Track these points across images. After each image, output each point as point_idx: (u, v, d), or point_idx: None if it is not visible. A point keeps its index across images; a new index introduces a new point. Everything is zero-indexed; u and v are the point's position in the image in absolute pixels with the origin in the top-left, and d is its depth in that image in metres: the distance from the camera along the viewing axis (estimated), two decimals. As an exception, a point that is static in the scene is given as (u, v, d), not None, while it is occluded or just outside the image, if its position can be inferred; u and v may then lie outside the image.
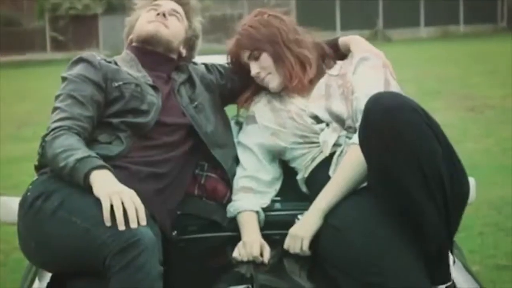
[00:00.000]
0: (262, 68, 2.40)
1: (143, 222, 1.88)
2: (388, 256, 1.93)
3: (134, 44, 2.44)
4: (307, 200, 2.26)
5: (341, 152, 2.24)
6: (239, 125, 2.53)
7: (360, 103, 2.17)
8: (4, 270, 4.33)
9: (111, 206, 1.86)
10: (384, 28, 24.79)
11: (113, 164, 2.05)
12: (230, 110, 2.57)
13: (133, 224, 1.86)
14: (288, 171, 2.42)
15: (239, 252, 2.17)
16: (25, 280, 2.32)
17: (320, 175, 2.25)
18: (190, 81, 2.45)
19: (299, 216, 2.20)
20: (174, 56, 2.45)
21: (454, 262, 2.07)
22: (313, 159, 2.30)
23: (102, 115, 2.21)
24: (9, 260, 4.47)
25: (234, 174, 2.39)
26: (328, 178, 2.20)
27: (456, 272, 2.06)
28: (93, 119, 2.17)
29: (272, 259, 2.16)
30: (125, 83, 2.26)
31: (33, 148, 2.39)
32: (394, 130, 1.88)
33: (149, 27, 2.39)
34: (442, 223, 1.94)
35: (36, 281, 2.19)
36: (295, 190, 2.38)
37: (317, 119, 2.33)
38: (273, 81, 2.41)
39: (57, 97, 2.20)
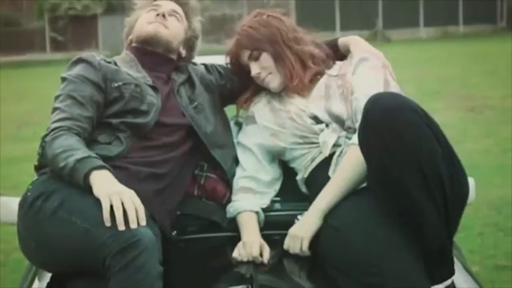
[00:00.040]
0: (262, 68, 2.40)
1: (143, 222, 1.88)
2: (387, 256, 1.93)
3: (133, 44, 2.45)
4: (306, 200, 2.26)
5: (341, 152, 2.24)
6: (239, 125, 2.53)
7: (360, 104, 2.17)
8: (4, 270, 4.34)
9: (111, 207, 1.87)
10: (383, 29, 24.79)
11: (113, 164, 2.05)
12: (230, 110, 2.58)
13: (133, 225, 1.86)
14: (288, 172, 2.42)
15: (239, 252, 2.17)
16: (25, 280, 2.32)
17: (319, 175, 2.25)
18: (189, 81, 2.45)
19: (298, 217, 2.20)
20: (174, 57, 2.45)
21: (453, 271, 2.07)
22: (312, 160, 2.30)
23: (102, 115, 2.21)
24: (9, 260, 4.47)
25: (233, 175, 2.40)
26: (327, 178, 2.20)
27: (456, 272, 2.06)
28: (93, 120, 2.17)
29: (272, 259, 2.16)
30: (125, 83, 2.26)
31: (33, 148, 2.39)
32: (393, 130, 1.88)
33: (148, 28, 2.39)
34: (442, 223, 1.94)
35: (36, 281, 2.19)
36: (294, 191, 2.38)
37: (317, 120, 2.33)
38: (274, 81, 2.41)
39: (56, 97, 2.20)
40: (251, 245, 2.17)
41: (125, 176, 2.06)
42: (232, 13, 23.50)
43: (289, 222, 2.21)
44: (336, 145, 2.27)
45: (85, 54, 2.34)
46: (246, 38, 2.40)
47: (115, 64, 2.34)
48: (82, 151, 1.99)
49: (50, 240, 1.99)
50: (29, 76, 17.35)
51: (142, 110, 2.23)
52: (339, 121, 2.29)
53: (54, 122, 2.11)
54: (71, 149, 2.00)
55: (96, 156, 2.00)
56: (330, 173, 2.22)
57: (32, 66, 20.62)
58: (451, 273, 2.02)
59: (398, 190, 1.91)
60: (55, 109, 2.17)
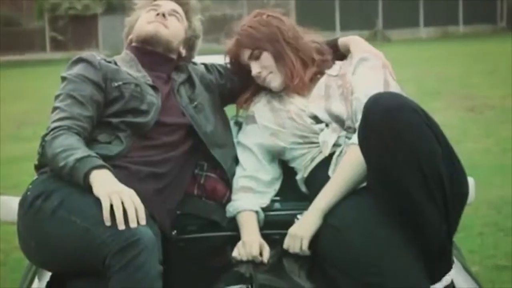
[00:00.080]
0: (263, 67, 2.40)
1: (143, 221, 1.88)
2: (387, 256, 1.93)
3: (133, 44, 2.45)
4: (306, 200, 2.26)
5: (341, 152, 2.24)
6: (239, 125, 2.53)
7: (360, 104, 2.17)
8: (4, 270, 4.33)
9: (111, 206, 1.87)
10: (383, 29, 24.80)
11: (113, 163, 2.05)
12: (230, 110, 2.58)
13: (133, 224, 1.86)
14: (287, 171, 2.42)
15: (239, 252, 2.17)
16: (25, 280, 2.32)
17: (319, 175, 2.26)
18: (189, 81, 2.45)
19: (298, 216, 2.20)
20: (174, 56, 2.45)
21: (453, 262, 2.07)
22: (312, 159, 2.31)
23: (102, 115, 2.21)
24: (9, 259, 4.47)
25: (233, 174, 2.40)
26: (327, 178, 2.20)
27: (455, 272, 2.06)
28: (93, 119, 2.17)
29: (272, 258, 2.16)
30: (125, 83, 2.26)
31: (33, 147, 2.39)
32: (393, 130, 1.88)
33: (148, 28, 2.39)
34: (442, 223, 1.94)
35: (36, 281, 2.19)
36: (294, 190, 2.38)
37: (317, 119, 2.33)
38: (275, 80, 2.41)
39: (56, 97, 2.20)
40: (250, 244, 2.17)
41: (125, 175, 2.06)
42: (232, 13, 23.50)
43: (289, 222, 2.21)
44: (336, 144, 2.27)
45: (85, 53, 2.34)
46: (247, 37, 2.40)
47: (115, 63, 2.34)
48: (82, 151, 1.99)
49: (50, 239, 1.99)
50: (29, 76, 17.35)
51: (142, 110, 2.23)
52: (339, 121, 2.29)
53: (54, 121, 2.11)
54: (71, 148, 2.00)
55: (96, 156, 2.00)
56: (330, 172, 2.22)
57: (32, 65, 20.62)
58: (449, 267, 2.02)
59: (398, 189, 1.91)
60: (55, 108, 2.17)
